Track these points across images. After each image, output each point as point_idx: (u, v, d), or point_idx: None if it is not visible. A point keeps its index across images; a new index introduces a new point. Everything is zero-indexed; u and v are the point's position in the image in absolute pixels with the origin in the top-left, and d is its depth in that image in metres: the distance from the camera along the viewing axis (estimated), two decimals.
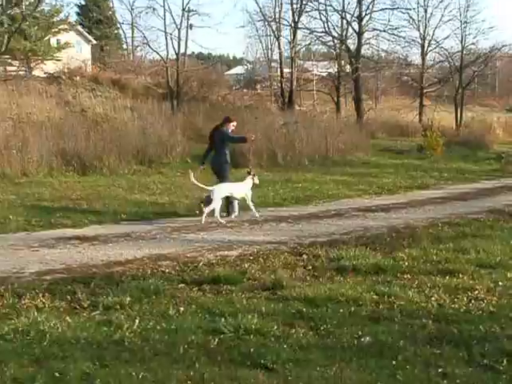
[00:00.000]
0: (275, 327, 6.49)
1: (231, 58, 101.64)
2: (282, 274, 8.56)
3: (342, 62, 47.21)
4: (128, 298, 7.42)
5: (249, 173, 14.77)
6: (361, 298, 7.56)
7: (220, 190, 13.70)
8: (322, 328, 6.55)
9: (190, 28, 43.29)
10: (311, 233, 12.36)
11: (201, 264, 9.40)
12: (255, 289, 8.10)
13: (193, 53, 62.36)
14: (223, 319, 6.69)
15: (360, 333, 6.37)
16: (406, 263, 9.45)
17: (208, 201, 13.75)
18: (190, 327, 6.53)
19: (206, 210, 13.44)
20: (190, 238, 11.85)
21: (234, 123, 15.27)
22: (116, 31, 57.64)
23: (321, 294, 7.65)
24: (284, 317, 6.91)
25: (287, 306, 7.30)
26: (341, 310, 7.13)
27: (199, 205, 14.16)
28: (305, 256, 10.08)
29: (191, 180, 13.94)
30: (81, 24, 52.82)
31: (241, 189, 14.20)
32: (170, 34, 41.21)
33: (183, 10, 41.28)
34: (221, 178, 14.55)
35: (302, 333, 6.42)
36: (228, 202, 14.43)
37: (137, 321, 6.64)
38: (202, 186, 13.91)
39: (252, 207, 14.14)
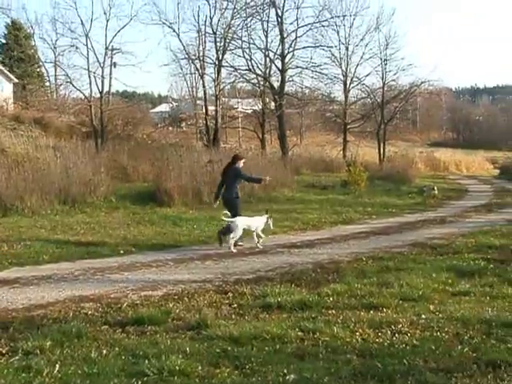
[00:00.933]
0: (199, 367, 6.40)
1: (156, 95, 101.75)
2: (207, 313, 8.47)
3: (267, 99, 47.74)
4: (49, 342, 7.21)
5: (266, 212, 16.18)
6: (286, 335, 7.53)
7: (241, 222, 15.01)
8: (247, 367, 6.49)
9: (114, 66, 43.22)
10: (236, 270, 12.31)
11: (124, 305, 9.24)
12: (180, 329, 7.99)
13: (117, 91, 61.98)
14: (147, 361, 6.56)
15: (285, 371, 6.33)
16: (331, 298, 9.47)
17: (228, 230, 15.13)
18: (113, 370, 6.38)
19: (231, 240, 14.82)
20: (113, 278, 11.64)
21: (244, 160, 16.74)
22: (38, 69, 56.97)
23: (246, 332, 7.57)
24: (209, 356, 6.82)
25: (212, 345, 7.21)
26: (266, 348, 7.08)
27: (219, 237, 15.46)
28: (230, 294, 10.00)
29: (222, 216, 15.24)
30: (1, 62, 52.03)
31: (256, 222, 15.50)
32: (94, 73, 41.17)
33: (106, 48, 41.25)
34: (234, 211, 15.58)
35: (226, 372, 6.34)
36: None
37: (57, 366, 6.46)
38: (227, 219, 15.08)
39: (258, 239, 15.34)
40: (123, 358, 6.82)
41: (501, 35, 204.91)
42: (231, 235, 14.86)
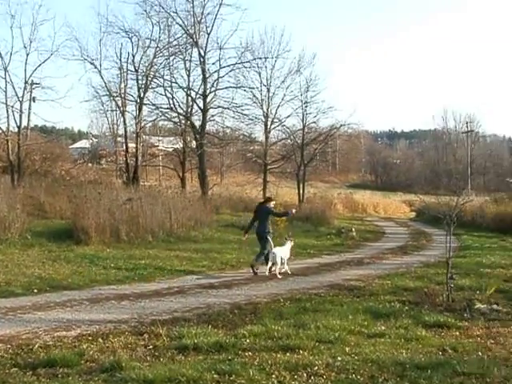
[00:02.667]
0: None
1: (76, 131, 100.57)
2: (122, 355, 8.33)
3: (188, 137, 47.77)
4: None
5: (286, 239, 19.27)
6: (201, 377, 7.42)
7: (279, 253, 17.83)
8: None
9: (33, 101, 42.55)
10: (153, 311, 12.13)
11: (36, 346, 8.99)
12: (93, 371, 7.81)
13: (36, 126, 61.00)
14: None
15: None
16: (248, 340, 9.42)
17: (268, 259, 17.93)
18: None
19: (273, 268, 17.80)
20: (26, 318, 11.30)
21: (274, 202, 20.11)
22: None
23: (160, 374, 7.44)
24: None
25: None
26: None
27: (251, 266, 18.04)
28: (146, 335, 9.86)
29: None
30: None
31: (286, 252, 18.47)
32: (12, 107, 40.36)
33: (26, 82, 40.63)
34: (263, 243, 18.35)
35: None
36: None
37: None
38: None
39: (285, 266, 18.17)
40: None
41: (417, 82, 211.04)
42: (276, 264, 17.65)
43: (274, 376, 7.61)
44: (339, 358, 8.47)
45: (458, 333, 10.47)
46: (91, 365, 8.11)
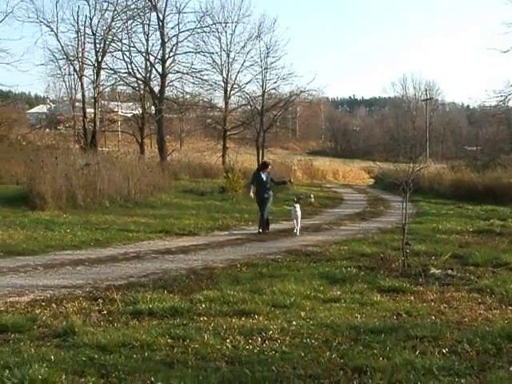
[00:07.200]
0: (63, 376, 6.17)
1: (33, 96, 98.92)
2: (75, 320, 8.21)
3: (147, 103, 47.33)
4: None
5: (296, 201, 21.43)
6: (155, 342, 7.38)
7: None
8: (113, 375, 6.32)
9: None
10: (109, 276, 12.05)
11: None
12: (46, 336, 7.72)
13: None
14: (8, 371, 6.26)
15: (153, 379, 6.20)
16: (203, 305, 9.40)
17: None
18: None
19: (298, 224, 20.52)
20: None
21: (270, 167, 22.63)
22: None
23: (114, 339, 7.38)
24: (74, 365, 6.58)
25: (78, 353, 6.96)
26: (134, 356, 6.92)
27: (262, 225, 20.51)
28: (100, 300, 9.78)
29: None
30: None
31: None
32: None
33: None
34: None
35: (91, 381, 6.14)
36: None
37: None
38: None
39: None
40: None
41: (377, 49, 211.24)
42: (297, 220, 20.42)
43: (228, 340, 7.59)
44: (294, 323, 8.48)
45: (412, 297, 10.56)
46: (44, 330, 8.02)
